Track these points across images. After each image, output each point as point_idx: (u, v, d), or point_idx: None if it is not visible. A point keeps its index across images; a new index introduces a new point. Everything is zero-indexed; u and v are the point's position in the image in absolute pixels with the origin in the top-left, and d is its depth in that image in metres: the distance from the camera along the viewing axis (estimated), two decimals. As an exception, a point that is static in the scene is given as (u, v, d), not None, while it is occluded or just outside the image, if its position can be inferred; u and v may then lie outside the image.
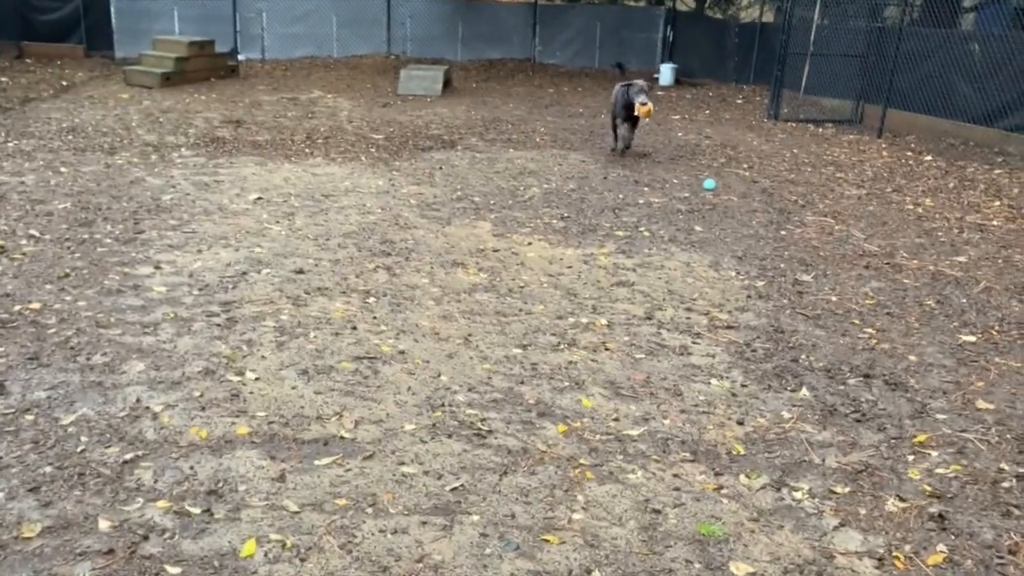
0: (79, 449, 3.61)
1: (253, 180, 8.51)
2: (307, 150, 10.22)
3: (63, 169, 8.55)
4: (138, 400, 4.04)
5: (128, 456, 3.58)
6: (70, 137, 10.18)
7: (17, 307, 5.00)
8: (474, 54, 20.26)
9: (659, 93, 16.64)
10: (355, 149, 10.42)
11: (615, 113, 10.43)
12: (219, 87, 15.00)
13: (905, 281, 6.26)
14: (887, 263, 6.66)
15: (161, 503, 3.29)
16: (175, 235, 6.57)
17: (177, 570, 2.92)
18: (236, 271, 5.83)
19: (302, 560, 3.00)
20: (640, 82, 10.06)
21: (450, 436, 3.89)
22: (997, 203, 8.55)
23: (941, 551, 3.21)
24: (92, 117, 11.54)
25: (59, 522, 3.15)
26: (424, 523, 3.24)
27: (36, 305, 5.05)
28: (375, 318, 5.19)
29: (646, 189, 8.80)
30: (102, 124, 11.08)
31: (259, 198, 7.81)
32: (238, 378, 4.31)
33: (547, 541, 3.18)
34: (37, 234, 6.41)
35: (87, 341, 4.63)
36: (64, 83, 14.66)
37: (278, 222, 7.11)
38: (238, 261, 6.04)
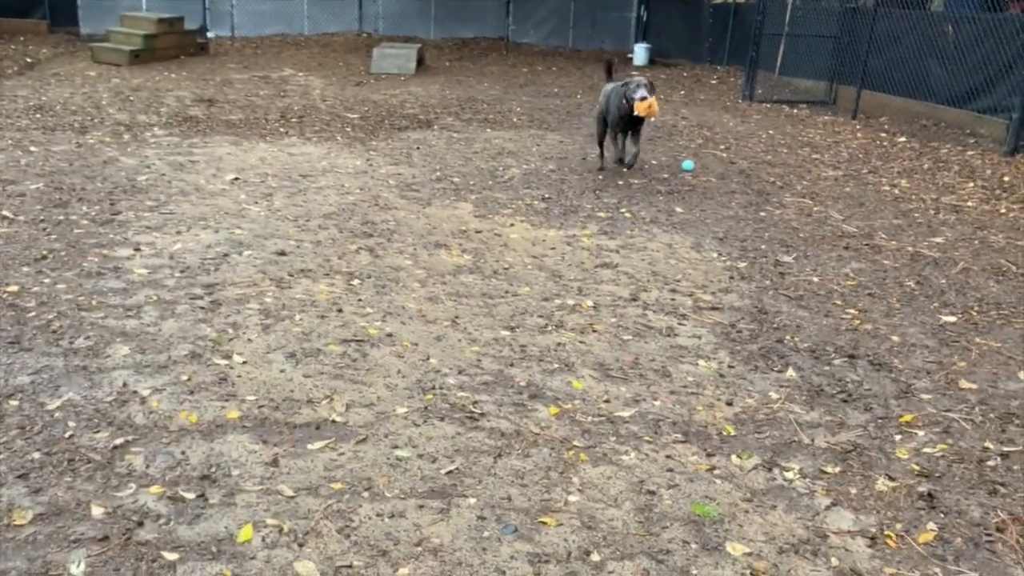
0: (67, 434, 3.56)
1: (229, 160, 8.40)
2: (282, 129, 10.10)
3: (33, 148, 8.38)
4: (125, 384, 3.98)
5: (118, 441, 3.53)
6: (38, 115, 9.97)
7: (-6, 290, 4.91)
8: (447, 32, 20.12)
9: (632, 73, 16.63)
10: (330, 128, 10.32)
11: (607, 120, 8.55)
12: (189, 65, 14.77)
13: (885, 262, 6.32)
14: (866, 244, 6.72)
15: (154, 489, 3.25)
16: (153, 216, 6.47)
17: (174, 556, 2.89)
18: (217, 253, 5.76)
19: (300, 545, 2.98)
20: (639, 77, 8.34)
21: (443, 419, 3.88)
22: (971, 184, 8.65)
23: (931, 529, 3.26)
24: (60, 95, 11.31)
25: (51, 509, 3.10)
26: (421, 507, 3.24)
27: (14, 288, 4.96)
28: (360, 300, 5.16)
29: (625, 170, 8.80)
30: (71, 102, 10.86)
31: (236, 178, 7.71)
32: (225, 361, 4.27)
33: (545, 523, 3.18)
34: (10, 215, 6.28)
35: (69, 324, 4.55)
36: (28, 60, 14.35)
37: (256, 203, 7.02)
38: (219, 243, 5.96)
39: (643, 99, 7.83)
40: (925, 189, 8.48)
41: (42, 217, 6.28)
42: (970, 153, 10.06)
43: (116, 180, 7.40)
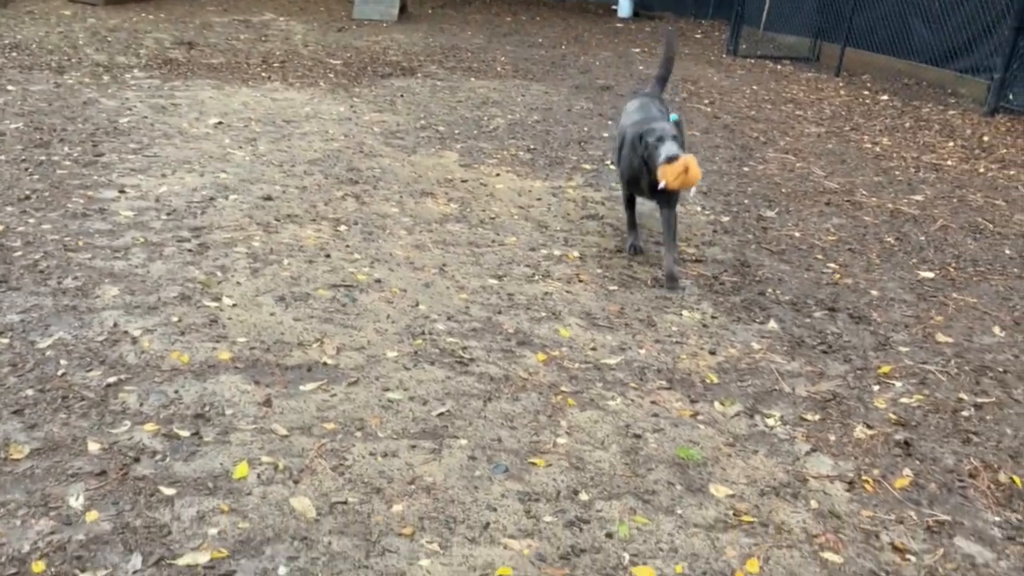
0: (60, 372, 3.58)
1: (211, 104, 8.30)
2: (264, 74, 9.97)
3: (10, 88, 8.23)
4: (115, 324, 3.99)
5: (111, 380, 3.56)
6: (14, 54, 9.77)
7: (-21, 229, 4.87)
8: (430, -21, 19.77)
9: (617, 25, 16.52)
10: (313, 74, 10.19)
11: (622, 172, 5.34)
12: (167, 6, 14.46)
13: (865, 218, 6.41)
14: (847, 200, 6.80)
15: (149, 426, 3.29)
16: (137, 159, 6.41)
17: (172, 491, 2.95)
18: (203, 196, 5.73)
19: (295, 482, 3.04)
20: (663, 124, 5.01)
21: (432, 363, 3.93)
22: (951, 144, 8.74)
23: (907, 475, 3.37)
24: (35, 34, 11.06)
25: (47, 444, 3.13)
26: (413, 447, 3.30)
27: (-2, 227, 4.93)
28: (348, 246, 5.17)
29: (610, 123, 8.79)
30: (47, 42, 10.64)
31: (219, 123, 7.63)
32: (215, 304, 4.28)
33: (534, 464, 3.26)
34: (-9, 154, 6.20)
35: (56, 265, 4.54)
36: (2, -3, 13.97)
37: (241, 147, 6.97)
38: (204, 186, 5.93)
39: (671, 160, 4.64)
40: (906, 147, 8.55)
41: (23, 157, 6.20)
42: (951, 112, 10.14)
43: (97, 121, 7.30)
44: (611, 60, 12.50)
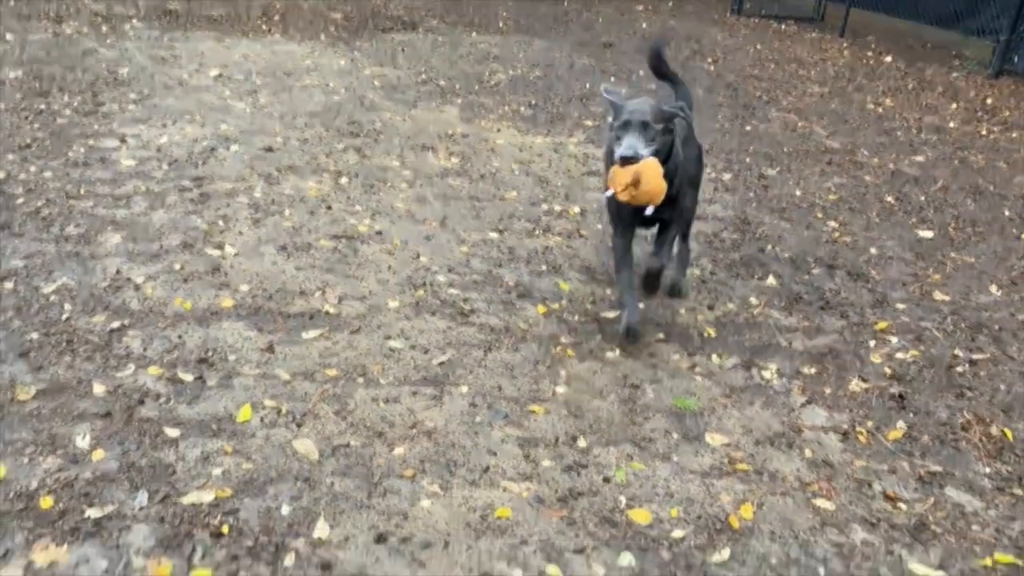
0: (64, 317, 3.61)
1: (211, 56, 8.24)
2: (264, 27, 9.89)
3: (9, 36, 8.16)
4: (118, 271, 4.02)
5: (114, 325, 3.59)
6: (11, 4, 9.67)
7: (-19, 176, 4.87)
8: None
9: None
10: (313, 27, 10.11)
11: (608, 200, 3.82)
12: (165, -44, 14.27)
13: (866, 178, 6.41)
14: (849, 160, 6.80)
15: (153, 370, 3.33)
16: (137, 109, 6.38)
17: (176, 432, 2.99)
18: (204, 147, 5.72)
19: (298, 425, 3.09)
20: (639, 102, 3.60)
21: (434, 314, 3.96)
22: (954, 105, 8.71)
23: (901, 427, 3.42)
24: (33, -18, 10.94)
25: (53, 386, 3.17)
26: (415, 393, 3.34)
27: (0, 175, 4.92)
28: (349, 198, 5.18)
29: (612, 79, 8.75)
30: (44, -10, 10.53)
31: (220, 74, 7.59)
32: (217, 252, 4.30)
33: (533, 412, 3.31)
34: (-9, 102, 6.18)
35: (59, 212, 4.55)
36: (-2, -55, 13.80)
37: (241, 99, 6.94)
38: (205, 137, 5.92)
39: (625, 162, 3.43)
40: (909, 108, 8.52)
41: (23, 106, 6.18)
42: (955, 75, 10.09)
43: (97, 71, 7.26)
44: (614, 17, 12.40)
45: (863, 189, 6.17)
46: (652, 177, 3.43)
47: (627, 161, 3.41)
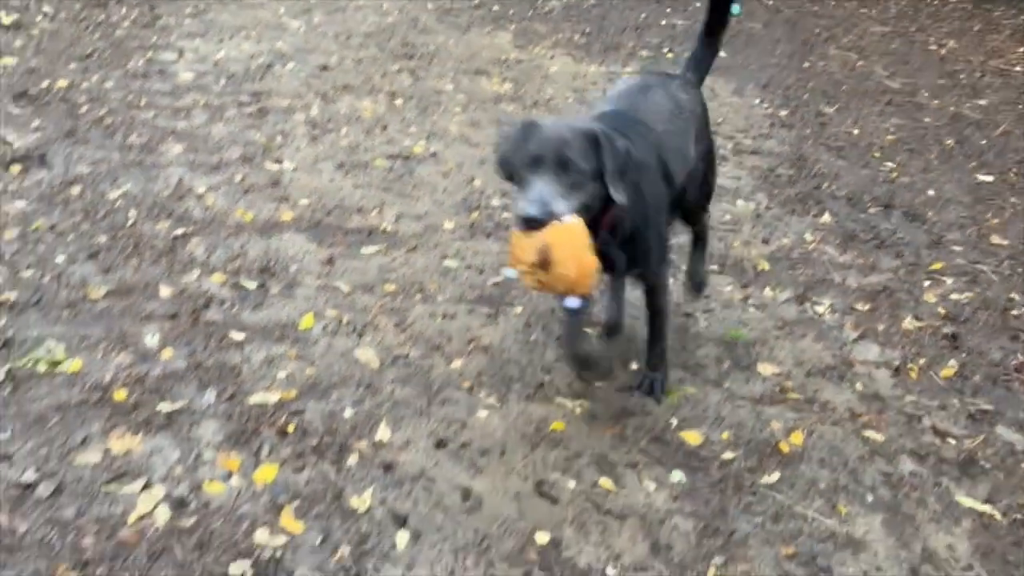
0: (129, 222, 3.70)
1: (265, -28, 8.20)
2: (317, -55, 9.79)
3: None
4: (181, 180, 4.09)
5: (178, 232, 3.67)
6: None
7: (45, 82, 4.94)
8: None
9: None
10: (366, -52, 10.00)
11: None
12: None
13: (926, 120, 6.28)
14: (908, 101, 6.65)
15: (216, 276, 3.41)
16: (193, 23, 6.41)
17: (241, 336, 3.08)
18: (261, 63, 5.75)
19: (360, 335, 3.16)
20: (554, 129, 2.36)
21: (488, 236, 4.00)
22: (1021, 49, 8.44)
23: (952, 366, 3.42)
24: None
25: (121, 287, 3.27)
26: (471, 311, 3.40)
27: (63, 83, 4.99)
28: (404, 120, 5.19)
29: (668, 10, 8.59)
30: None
31: (274, -9, 7.57)
32: (277, 166, 4.36)
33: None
34: (51, 11, 6.23)
35: (121, 121, 4.62)
36: None
37: (296, 17, 6.93)
38: (261, 53, 5.94)
39: (527, 224, 2.25)
40: (973, 51, 8.28)
41: (83, 16, 6.23)
42: (1023, 17, 9.76)
43: (153, -16, 7.28)
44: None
45: (922, 131, 6.05)
46: (572, 254, 2.21)
47: (532, 225, 2.23)
